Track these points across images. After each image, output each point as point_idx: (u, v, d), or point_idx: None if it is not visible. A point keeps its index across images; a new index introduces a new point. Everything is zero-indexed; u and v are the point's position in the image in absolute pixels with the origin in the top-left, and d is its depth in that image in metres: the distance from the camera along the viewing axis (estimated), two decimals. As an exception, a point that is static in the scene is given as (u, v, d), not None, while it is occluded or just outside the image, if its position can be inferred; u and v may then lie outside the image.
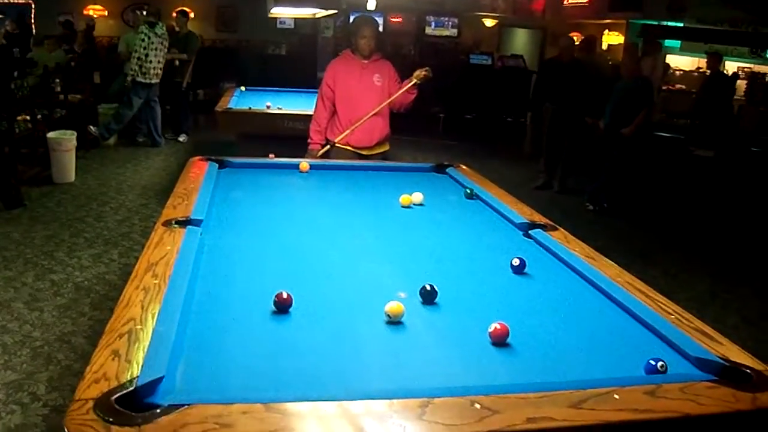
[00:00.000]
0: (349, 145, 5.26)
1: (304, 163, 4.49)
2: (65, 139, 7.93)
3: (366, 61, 5.25)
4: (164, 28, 10.05)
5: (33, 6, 15.26)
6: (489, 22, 15.32)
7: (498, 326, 2.12)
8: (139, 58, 9.73)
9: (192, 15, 12.09)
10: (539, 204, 3.90)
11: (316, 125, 5.31)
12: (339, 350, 2.05)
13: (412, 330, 2.21)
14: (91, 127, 9.61)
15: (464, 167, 4.66)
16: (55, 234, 6.22)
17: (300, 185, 4.25)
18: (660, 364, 1.95)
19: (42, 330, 4.38)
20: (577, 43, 9.83)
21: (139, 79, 9.77)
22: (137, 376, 1.72)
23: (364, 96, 5.21)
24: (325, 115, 5.31)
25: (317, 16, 13.94)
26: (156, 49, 9.81)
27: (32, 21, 15.19)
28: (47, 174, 7.99)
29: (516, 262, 2.77)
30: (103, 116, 10.06)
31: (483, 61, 14.16)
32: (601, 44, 13.74)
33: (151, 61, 9.79)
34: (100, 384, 1.69)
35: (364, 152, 5.28)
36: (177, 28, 10.82)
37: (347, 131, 5.19)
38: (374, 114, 5.20)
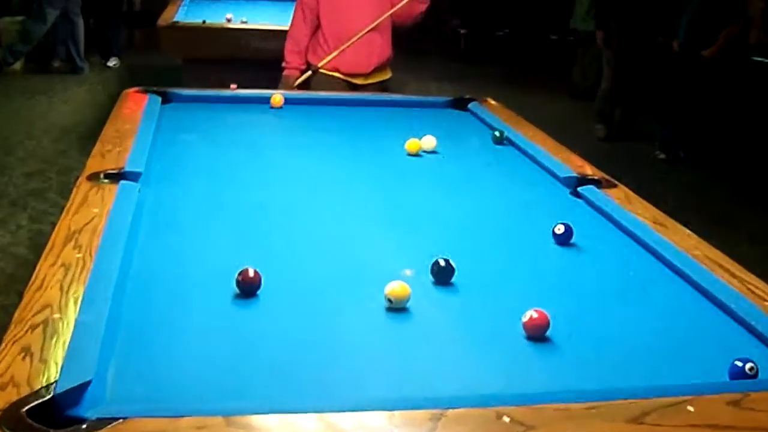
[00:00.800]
0: (338, 72, 5.27)
1: (278, 96, 4.48)
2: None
3: None
4: None
5: None
6: None
7: (535, 314, 2.13)
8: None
9: None
10: (592, 151, 3.93)
11: (294, 44, 5.30)
12: (322, 346, 2.07)
13: (420, 319, 2.23)
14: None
15: (492, 102, 4.67)
16: None
17: (272, 126, 4.27)
18: (749, 366, 1.96)
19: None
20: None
21: (53, -19, 9.75)
22: (55, 381, 1.73)
23: (357, 5, 5.20)
24: (305, 31, 5.29)
25: None
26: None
27: None
28: None
29: (560, 229, 2.79)
30: (6, 34, 10.02)
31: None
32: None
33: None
34: (7, 392, 1.70)
35: (357, 81, 5.30)
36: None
37: (335, 52, 5.18)
38: (371, 29, 5.18)
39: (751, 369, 1.95)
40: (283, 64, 5.29)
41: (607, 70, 8.97)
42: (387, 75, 5.50)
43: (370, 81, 5.34)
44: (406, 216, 3.04)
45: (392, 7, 5.21)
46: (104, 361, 1.87)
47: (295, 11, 5.36)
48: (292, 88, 5.09)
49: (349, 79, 5.29)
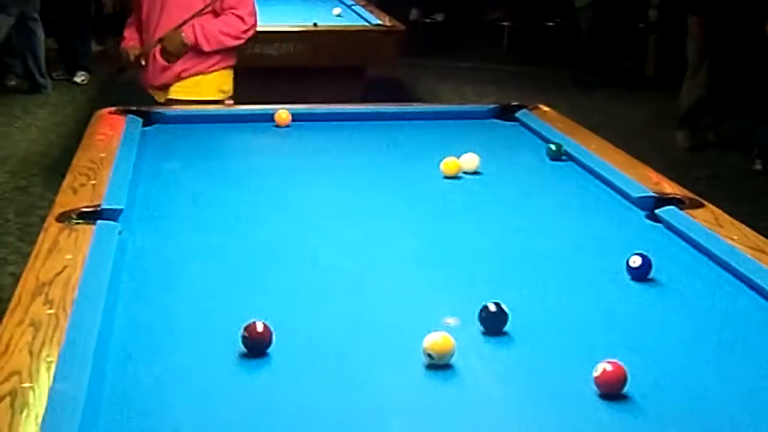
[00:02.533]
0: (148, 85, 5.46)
1: (284, 112, 4.50)
2: None
3: None
4: None
5: None
6: None
7: (608, 367, 2.13)
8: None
9: None
10: (673, 164, 3.91)
11: (131, 18, 5.57)
12: (349, 414, 2.08)
13: (467, 378, 2.24)
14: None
15: (545, 108, 4.69)
16: None
17: (278, 148, 4.30)
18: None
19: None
20: None
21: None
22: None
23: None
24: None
25: None
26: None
27: None
28: None
29: (635, 261, 2.79)
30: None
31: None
32: None
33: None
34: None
35: (158, 97, 5.37)
36: None
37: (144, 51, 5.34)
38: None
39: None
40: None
41: (701, 74, 8.90)
42: (214, 90, 5.33)
43: (176, 95, 5.28)
44: (447, 252, 3.05)
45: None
46: (85, 440, 1.89)
47: None
48: (132, 64, 5.36)
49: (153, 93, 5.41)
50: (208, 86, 5.21)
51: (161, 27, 5.08)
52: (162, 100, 5.20)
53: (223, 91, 5.27)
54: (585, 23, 11.33)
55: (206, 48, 5.06)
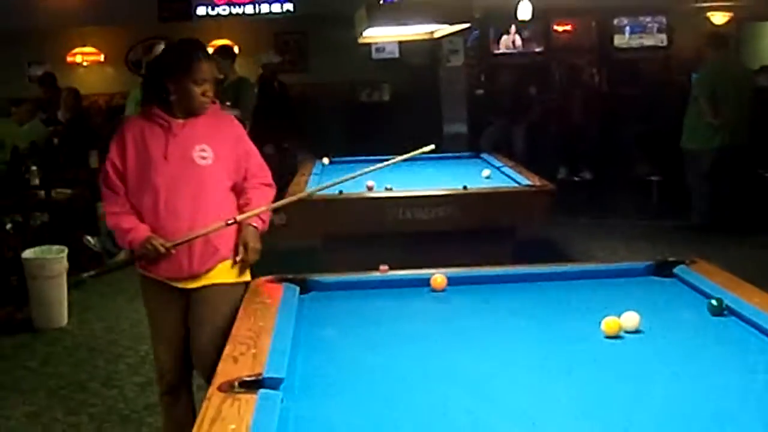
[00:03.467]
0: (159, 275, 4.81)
1: (439, 277, 4.54)
2: (50, 260, 8.24)
3: (182, 121, 4.70)
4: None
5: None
6: (719, 17, 15.31)
7: None
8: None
9: (237, 50, 12.48)
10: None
11: (120, 204, 4.77)
12: None
13: None
14: (89, 237, 9.91)
15: (704, 263, 4.63)
16: (41, 411, 6.41)
17: (435, 313, 4.30)
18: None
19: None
20: None
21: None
22: None
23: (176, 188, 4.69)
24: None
25: (437, 35, 14.25)
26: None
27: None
28: (24, 317, 8.35)
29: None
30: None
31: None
32: None
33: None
34: None
35: (181, 285, 4.78)
36: (220, 75, 11.23)
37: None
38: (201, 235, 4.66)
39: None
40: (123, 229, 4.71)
41: None
42: (238, 277, 4.81)
43: (205, 282, 4.73)
44: (612, 417, 2.99)
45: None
46: None
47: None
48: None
49: (172, 282, 4.75)
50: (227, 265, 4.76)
51: (202, 214, 4.58)
52: (190, 287, 4.67)
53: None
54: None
55: (263, 228, 4.86)
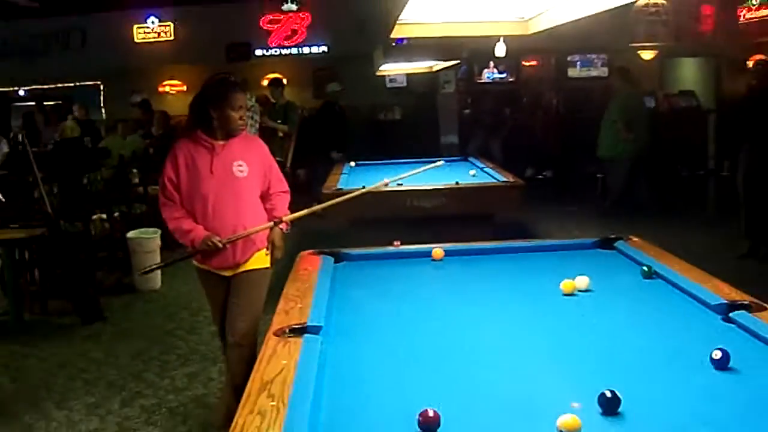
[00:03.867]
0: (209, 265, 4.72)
1: (438, 250, 4.55)
2: (147, 239, 8.29)
3: (222, 142, 4.56)
4: (253, 99, 10.38)
5: (102, 87, 16.13)
6: (647, 54, 15.24)
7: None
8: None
9: (285, 81, 12.50)
10: (737, 278, 3.79)
11: (178, 209, 4.63)
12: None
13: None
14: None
15: (636, 239, 4.62)
16: (141, 351, 6.46)
17: (435, 276, 4.30)
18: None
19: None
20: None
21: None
22: None
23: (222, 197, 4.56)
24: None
25: (435, 69, 14.26)
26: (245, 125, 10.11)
27: (102, 104, 16.06)
28: (129, 281, 8.36)
29: (717, 354, 2.71)
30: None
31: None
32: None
33: (240, 138, 10.09)
34: None
35: (225, 273, 4.70)
36: (272, 100, 11.22)
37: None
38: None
39: None
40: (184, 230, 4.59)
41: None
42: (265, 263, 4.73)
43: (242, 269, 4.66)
44: (569, 352, 2.99)
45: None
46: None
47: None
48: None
49: (219, 272, 4.69)
50: (264, 254, 4.69)
51: (242, 216, 4.51)
52: (230, 274, 4.61)
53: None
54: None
55: (287, 229, 4.74)
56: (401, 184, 7.53)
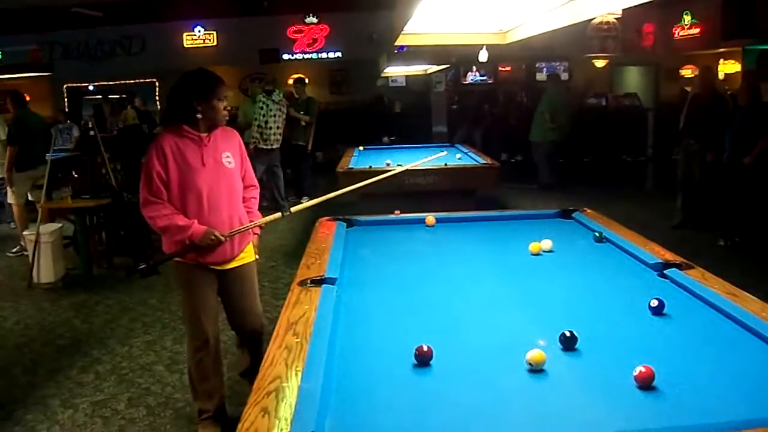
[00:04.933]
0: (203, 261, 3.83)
1: (430, 217, 4.55)
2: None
3: (206, 134, 3.73)
4: (281, 95, 10.37)
5: (158, 84, 16.10)
6: (600, 63, 15.21)
7: (643, 369, 2.09)
8: (259, 126, 10.05)
9: (307, 80, 12.46)
10: (668, 243, 3.82)
11: (168, 206, 3.71)
12: (484, 401, 2.07)
13: (555, 377, 2.21)
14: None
15: (590, 211, 4.62)
16: (156, 340, 5.99)
17: (428, 239, 4.30)
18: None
19: (183, 392, 4.52)
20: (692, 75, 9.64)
21: (261, 146, 10.06)
22: (287, 433, 1.78)
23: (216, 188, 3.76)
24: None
25: (429, 71, 14.20)
26: (275, 116, 10.11)
27: (157, 98, 16.03)
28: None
29: (654, 303, 2.73)
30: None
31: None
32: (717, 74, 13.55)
33: (270, 128, 10.08)
34: (253, 441, 1.76)
35: (220, 267, 3.87)
36: (296, 95, 11.19)
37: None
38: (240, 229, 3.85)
39: None
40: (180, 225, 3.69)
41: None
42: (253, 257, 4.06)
43: (236, 264, 3.91)
44: (536, 301, 3.01)
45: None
46: (321, 418, 1.91)
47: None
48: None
49: (214, 267, 3.84)
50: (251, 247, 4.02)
51: (234, 207, 3.78)
52: (226, 267, 3.83)
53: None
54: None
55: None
56: (401, 165, 7.53)
